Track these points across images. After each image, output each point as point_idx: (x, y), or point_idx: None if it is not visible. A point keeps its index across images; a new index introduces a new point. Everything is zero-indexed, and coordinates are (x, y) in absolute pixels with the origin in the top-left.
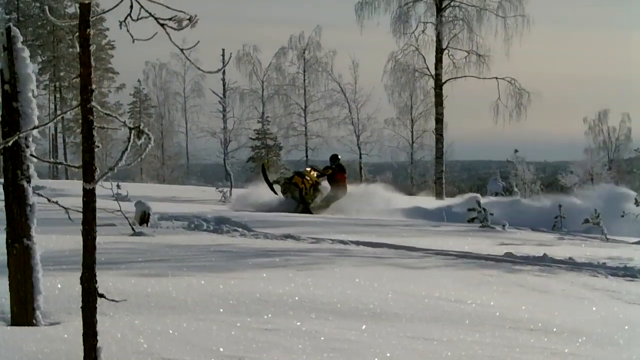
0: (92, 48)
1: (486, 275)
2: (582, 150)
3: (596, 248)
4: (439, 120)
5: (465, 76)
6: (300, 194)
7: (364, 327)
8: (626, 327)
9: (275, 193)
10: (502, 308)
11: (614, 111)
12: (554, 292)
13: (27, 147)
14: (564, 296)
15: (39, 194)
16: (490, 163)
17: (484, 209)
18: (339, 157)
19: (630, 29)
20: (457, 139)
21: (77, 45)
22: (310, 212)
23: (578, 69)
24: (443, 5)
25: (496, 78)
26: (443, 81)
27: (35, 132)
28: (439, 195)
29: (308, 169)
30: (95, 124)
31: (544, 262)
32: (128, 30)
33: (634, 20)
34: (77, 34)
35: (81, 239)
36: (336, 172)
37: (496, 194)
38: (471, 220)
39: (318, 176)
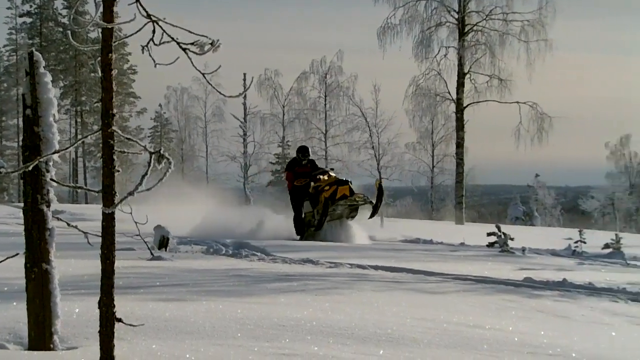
0: (114, 73)
1: (505, 300)
2: (603, 175)
3: (616, 273)
4: (460, 145)
5: (487, 100)
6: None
7: (381, 352)
8: None
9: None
10: (522, 333)
11: (636, 136)
12: (573, 317)
13: (48, 171)
14: (584, 322)
15: (58, 218)
16: (511, 188)
17: (504, 234)
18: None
19: None
20: (478, 163)
21: (99, 69)
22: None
23: (600, 94)
24: (465, 30)
25: (518, 102)
26: (464, 105)
27: (55, 156)
28: (459, 220)
29: (331, 174)
30: (115, 148)
31: (564, 287)
32: (150, 55)
33: None
34: (99, 58)
35: (100, 263)
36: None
37: (516, 219)
38: (491, 245)
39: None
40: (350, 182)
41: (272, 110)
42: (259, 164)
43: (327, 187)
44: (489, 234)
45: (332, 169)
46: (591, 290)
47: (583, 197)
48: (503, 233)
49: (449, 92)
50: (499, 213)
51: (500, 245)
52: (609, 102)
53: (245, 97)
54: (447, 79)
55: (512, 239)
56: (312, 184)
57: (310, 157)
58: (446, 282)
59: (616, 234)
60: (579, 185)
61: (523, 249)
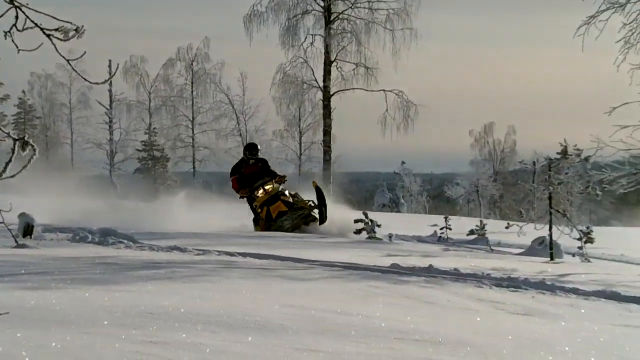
0: None
1: (372, 287)
2: (468, 162)
3: (481, 259)
4: (327, 132)
5: (354, 88)
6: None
7: (250, 339)
8: (510, 338)
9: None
10: (388, 319)
11: (499, 124)
12: (439, 303)
13: None
14: (450, 307)
15: None
16: (378, 175)
17: (371, 220)
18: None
19: (517, 47)
20: (345, 150)
21: None
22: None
23: (465, 84)
24: (331, 18)
25: (384, 90)
26: (331, 93)
27: None
28: None
29: (269, 187)
30: None
31: (430, 273)
32: (13, 41)
33: (519, 38)
34: None
35: None
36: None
37: (383, 206)
38: (358, 232)
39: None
40: (284, 194)
41: (138, 97)
42: (125, 151)
43: (259, 210)
44: (356, 221)
45: (282, 177)
46: (457, 276)
47: (448, 184)
48: (370, 220)
49: (315, 80)
50: (366, 200)
51: (368, 232)
52: (473, 93)
53: (110, 84)
54: (313, 66)
55: (379, 226)
56: (254, 195)
57: (259, 156)
58: (314, 269)
59: (481, 221)
60: (444, 172)
61: (390, 236)
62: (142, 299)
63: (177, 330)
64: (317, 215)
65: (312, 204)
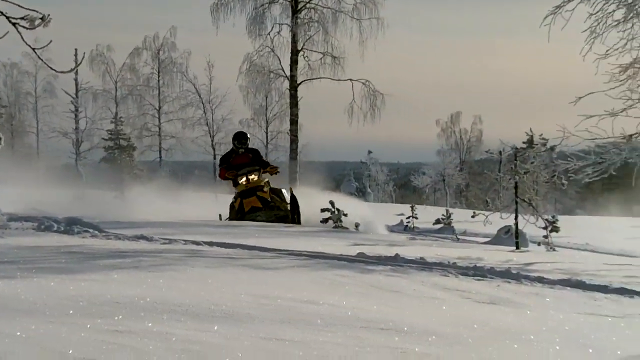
0: None
1: (339, 276)
2: (434, 152)
3: (447, 248)
4: (294, 122)
5: (320, 78)
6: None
7: (216, 328)
8: (475, 327)
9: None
10: (354, 308)
11: (465, 113)
12: (405, 292)
13: None
14: (416, 296)
15: None
16: (345, 164)
17: (338, 210)
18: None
19: (482, 38)
20: (312, 140)
21: None
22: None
23: (432, 74)
24: (298, 7)
25: (351, 80)
26: (298, 82)
27: None
28: None
29: (253, 177)
30: None
31: (396, 262)
32: None
33: (484, 30)
34: None
35: None
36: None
37: (350, 195)
38: (325, 221)
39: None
40: (262, 189)
41: (104, 86)
42: (91, 140)
43: (234, 200)
44: (322, 210)
45: (274, 168)
46: (423, 265)
47: (415, 173)
48: (337, 209)
49: (282, 69)
50: (333, 189)
51: (334, 221)
52: (440, 83)
53: (76, 72)
54: (280, 56)
55: (345, 215)
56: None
57: (248, 145)
58: (280, 258)
59: (447, 210)
60: (411, 161)
61: (356, 225)
62: (108, 288)
63: (142, 319)
64: (288, 217)
65: (287, 209)
